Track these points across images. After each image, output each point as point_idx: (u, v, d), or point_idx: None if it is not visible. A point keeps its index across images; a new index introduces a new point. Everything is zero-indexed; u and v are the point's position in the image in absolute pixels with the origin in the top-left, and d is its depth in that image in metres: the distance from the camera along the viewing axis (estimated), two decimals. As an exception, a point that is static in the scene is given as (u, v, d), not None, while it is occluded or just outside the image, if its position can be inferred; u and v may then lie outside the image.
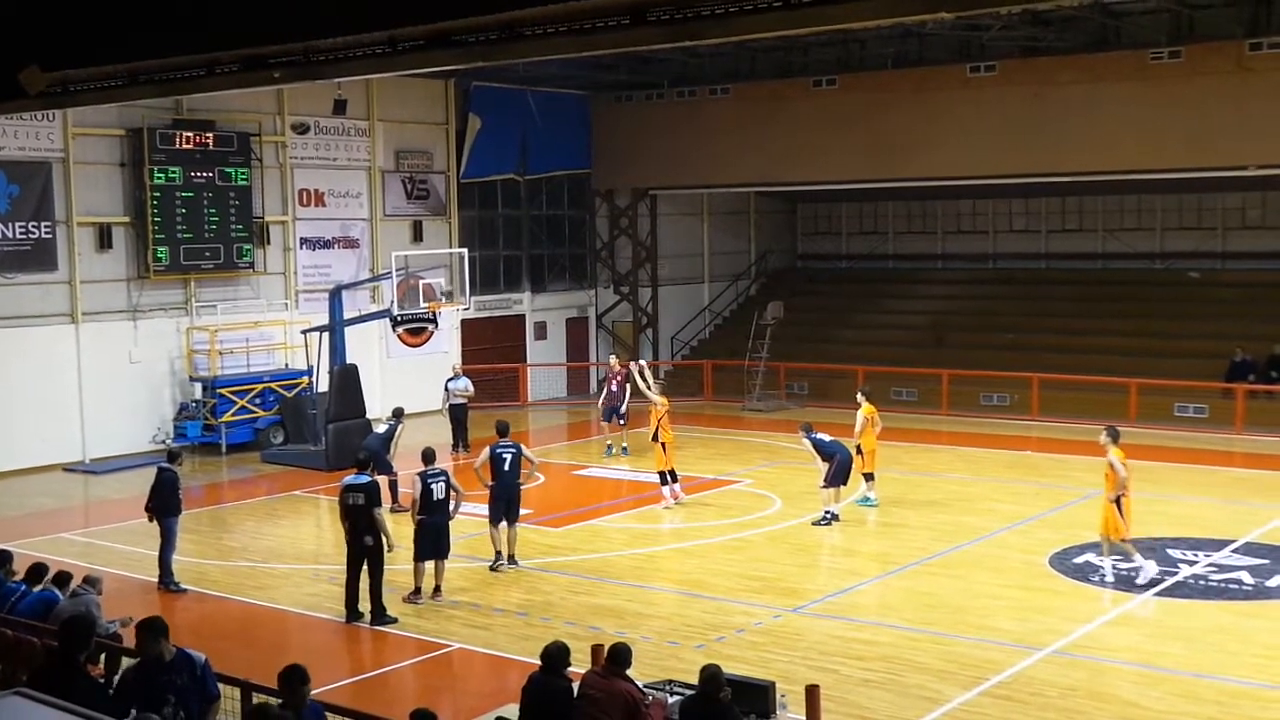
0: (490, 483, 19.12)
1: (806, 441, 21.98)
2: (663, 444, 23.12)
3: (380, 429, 23.76)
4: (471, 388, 29.36)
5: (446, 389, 29.02)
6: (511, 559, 19.30)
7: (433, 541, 17.50)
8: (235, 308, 30.86)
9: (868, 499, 22.86)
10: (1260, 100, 28.30)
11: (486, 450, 19.37)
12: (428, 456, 17.95)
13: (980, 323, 37.27)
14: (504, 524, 19.18)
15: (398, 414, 23.77)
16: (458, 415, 28.85)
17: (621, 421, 28.36)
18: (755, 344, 35.53)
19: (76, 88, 13.02)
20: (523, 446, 19.69)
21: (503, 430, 19.86)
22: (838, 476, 21.66)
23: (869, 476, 22.92)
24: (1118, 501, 18.01)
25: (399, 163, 34.40)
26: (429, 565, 17.60)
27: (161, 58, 11.94)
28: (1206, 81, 29.05)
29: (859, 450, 22.69)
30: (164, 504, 18.57)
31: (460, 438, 28.61)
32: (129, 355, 29.06)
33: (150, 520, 18.73)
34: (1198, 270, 36.51)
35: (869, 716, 13.26)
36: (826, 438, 22.02)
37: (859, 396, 23.45)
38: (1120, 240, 38.33)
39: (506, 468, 19.19)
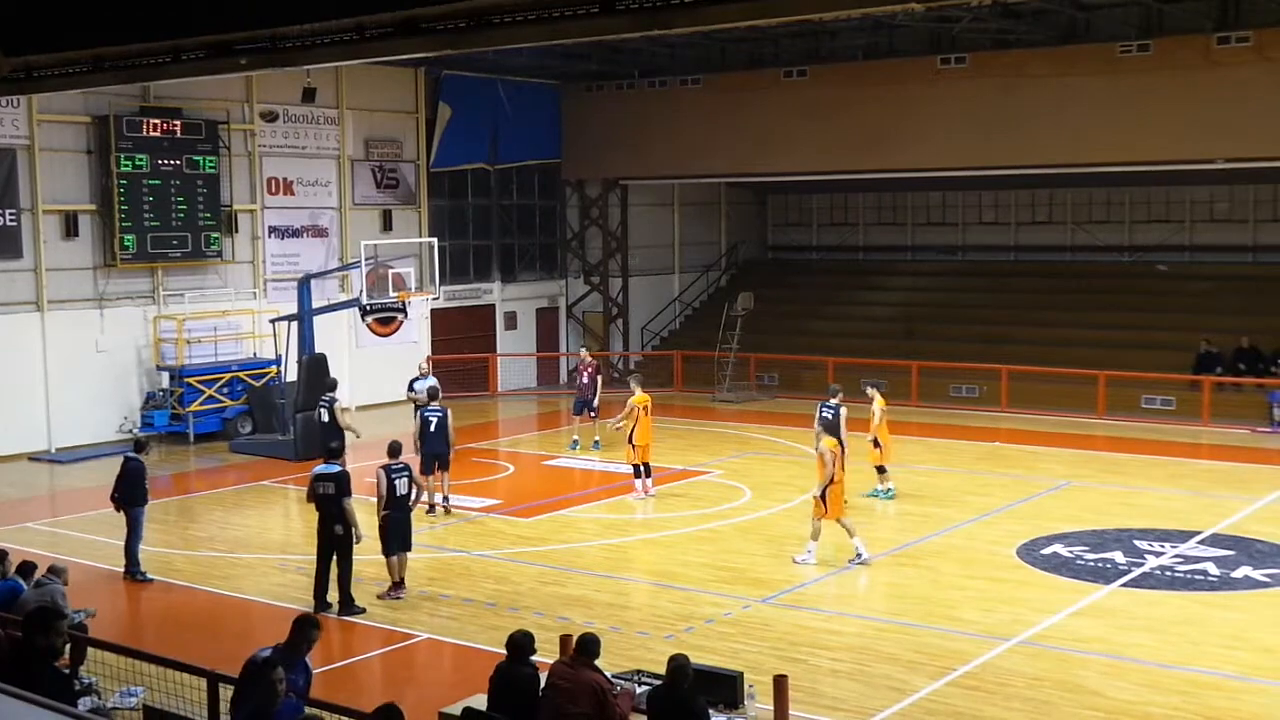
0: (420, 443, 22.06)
1: (826, 411, 21.77)
2: (635, 445, 23.13)
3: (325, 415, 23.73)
4: (439, 387, 27.26)
5: (412, 388, 27.02)
6: (446, 500, 22.18)
7: (398, 536, 17.45)
8: (203, 296, 30.68)
9: (889, 490, 22.86)
10: (1228, 94, 28.45)
11: (419, 414, 22.49)
12: (394, 450, 17.82)
13: (950, 314, 37.37)
14: (435, 473, 21.92)
15: (331, 385, 23.79)
16: None
17: (593, 414, 28.08)
18: (725, 335, 35.57)
19: (40, 73, 12.93)
20: (448, 413, 22.22)
21: (433, 395, 23.18)
22: None
23: (881, 469, 22.97)
24: (823, 492, 18.49)
25: (368, 151, 34.25)
26: (394, 559, 17.54)
27: (127, 44, 11.86)
28: (1175, 75, 29.18)
29: (876, 443, 22.74)
30: (130, 494, 18.45)
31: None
32: (95, 344, 28.85)
33: (117, 510, 18.62)
34: (1166, 263, 36.71)
35: (837, 706, 13.29)
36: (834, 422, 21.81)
37: (870, 390, 23.45)
38: (1089, 233, 38.51)
39: (433, 429, 21.92)
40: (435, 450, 22.01)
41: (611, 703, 10.54)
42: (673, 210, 42.15)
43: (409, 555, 17.71)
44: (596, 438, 27.92)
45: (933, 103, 32.17)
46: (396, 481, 17.38)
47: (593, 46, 32.37)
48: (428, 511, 21.30)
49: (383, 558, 17.50)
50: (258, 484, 25.31)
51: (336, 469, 17.15)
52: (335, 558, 16.89)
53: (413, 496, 17.77)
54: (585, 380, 28.27)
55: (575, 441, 28.13)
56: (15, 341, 27.66)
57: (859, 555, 18.60)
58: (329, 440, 21.70)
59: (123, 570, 18.43)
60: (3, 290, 27.57)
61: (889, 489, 22.90)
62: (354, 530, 16.86)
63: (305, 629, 10.48)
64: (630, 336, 40.36)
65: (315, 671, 14.35)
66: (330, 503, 16.90)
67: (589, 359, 29.00)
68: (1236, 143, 28.94)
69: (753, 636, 15.62)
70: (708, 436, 29.54)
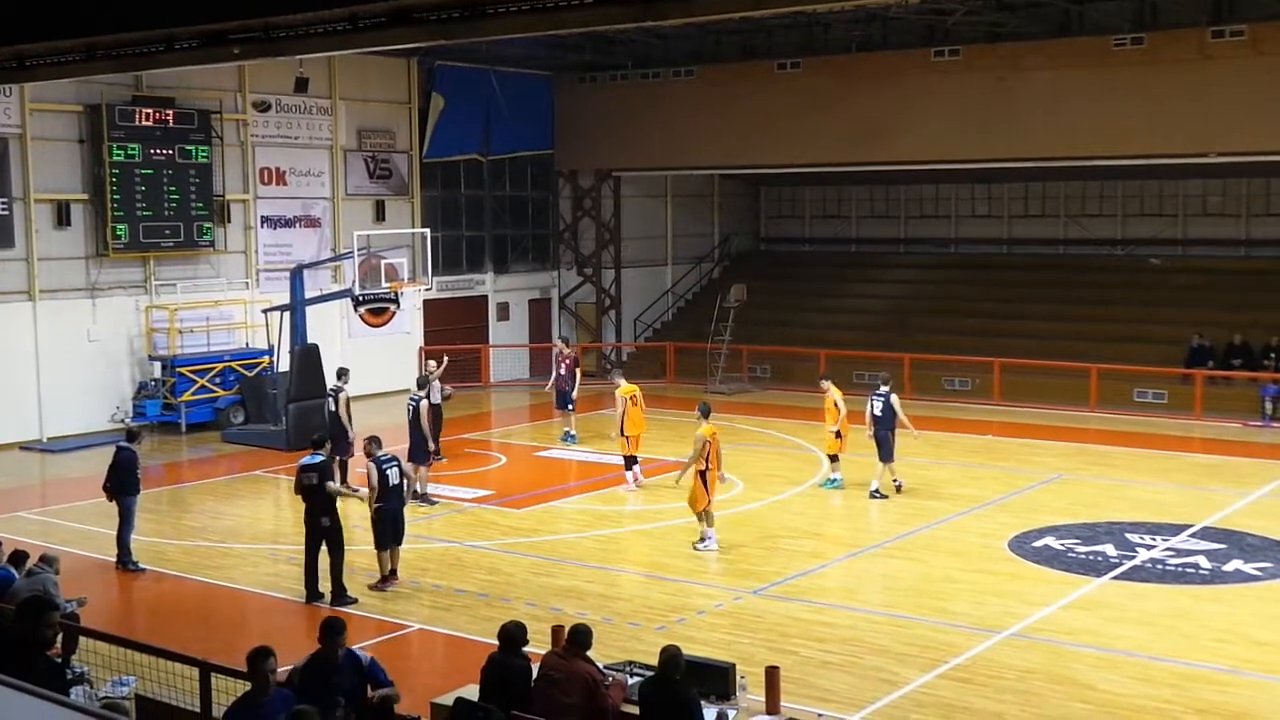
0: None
1: (877, 400, 22.69)
2: (626, 436, 23.13)
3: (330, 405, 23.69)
4: (448, 390, 25.39)
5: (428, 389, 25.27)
6: (425, 497, 22.16)
7: (391, 527, 17.39)
8: (195, 286, 30.64)
9: (835, 480, 22.99)
10: (1221, 87, 28.47)
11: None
12: (376, 442, 17.72)
13: (942, 307, 37.38)
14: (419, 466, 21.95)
15: (340, 374, 23.74)
16: (435, 415, 24.56)
17: (569, 408, 28.05)
18: (718, 327, 35.55)
19: (32, 63, 12.90)
20: (422, 404, 22.28)
21: (420, 385, 23.13)
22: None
23: (834, 458, 23.00)
24: (702, 475, 18.73)
25: (361, 142, 34.19)
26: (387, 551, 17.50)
27: (119, 33, 11.83)
28: (1168, 69, 29.20)
29: (839, 435, 22.73)
30: (122, 483, 18.45)
31: (434, 440, 24.84)
32: (87, 333, 28.81)
33: (109, 499, 18.60)
34: (1158, 256, 36.73)
35: (828, 698, 13.30)
36: (894, 406, 22.64)
37: (825, 383, 23.26)
38: (1081, 226, 38.53)
39: (410, 416, 22.24)
40: (413, 439, 22.16)
41: (603, 694, 10.54)
42: (665, 202, 42.12)
43: (401, 548, 17.69)
44: (572, 430, 27.87)
45: (926, 95, 32.16)
46: (388, 472, 17.35)
47: (586, 37, 32.34)
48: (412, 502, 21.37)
49: (374, 550, 17.49)
50: (250, 474, 25.31)
51: (320, 459, 17.15)
52: (326, 548, 16.91)
53: (405, 487, 17.77)
54: (563, 372, 28.25)
55: (566, 435, 28.01)
56: (7, 331, 27.60)
57: (705, 539, 19.01)
58: (329, 430, 21.73)
59: (114, 560, 18.42)
60: (-6, 279, 27.57)
61: (836, 479, 23.04)
62: (342, 489, 16.92)
63: (333, 635, 10.31)
64: (623, 328, 40.34)
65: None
66: (315, 494, 16.90)
67: (568, 351, 28.96)
68: (1230, 137, 28.98)
69: (744, 628, 15.63)
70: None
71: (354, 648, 10.36)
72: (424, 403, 22.47)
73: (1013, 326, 35.01)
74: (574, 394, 27.93)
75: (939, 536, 19.92)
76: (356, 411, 23.76)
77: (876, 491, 22.34)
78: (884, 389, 22.84)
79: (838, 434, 22.81)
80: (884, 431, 22.58)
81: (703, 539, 19.07)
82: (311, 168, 33.15)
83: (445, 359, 26.03)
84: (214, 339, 30.59)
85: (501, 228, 38.44)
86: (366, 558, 17.62)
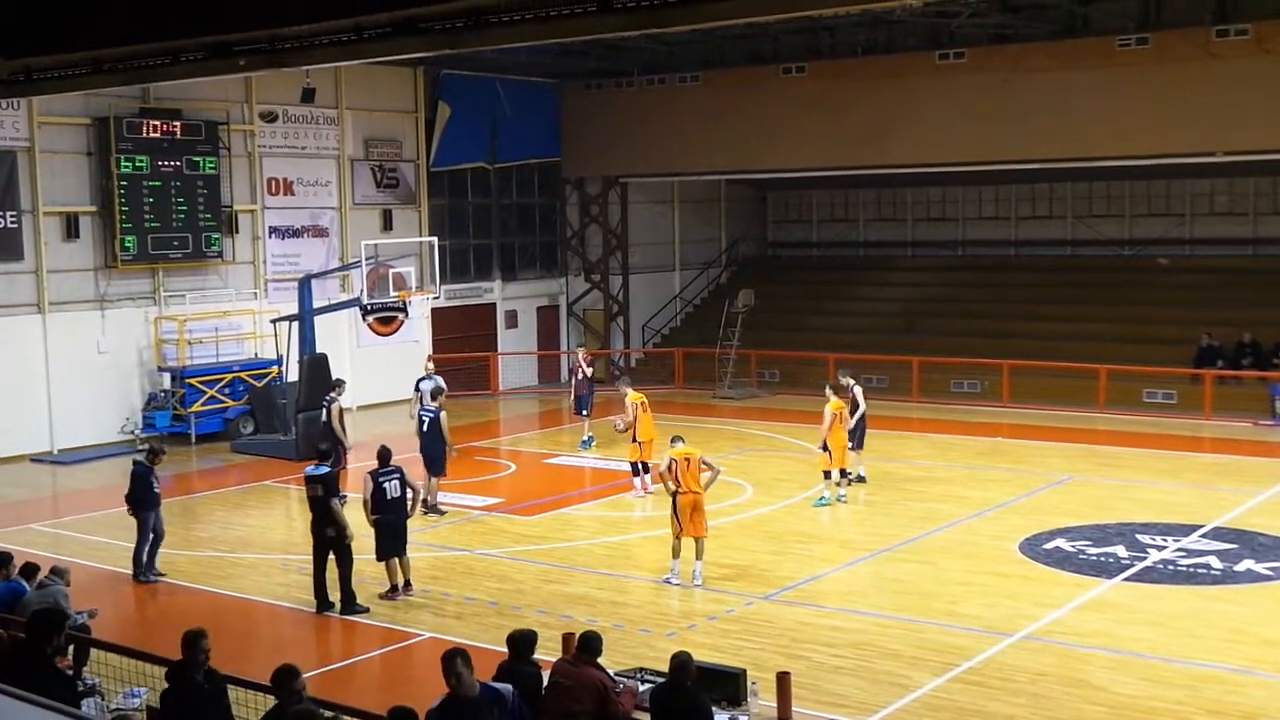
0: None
1: (857, 389, 23.40)
2: (639, 442, 23.10)
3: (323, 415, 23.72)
4: (444, 386, 25.28)
5: (418, 387, 25.31)
6: (435, 507, 21.85)
7: (391, 539, 17.35)
8: (204, 297, 30.69)
9: (824, 499, 22.24)
10: (1227, 86, 28.43)
11: (417, 413, 22.91)
12: (383, 455, 17.67)
13: (950, 310, 37.36)
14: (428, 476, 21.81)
15: (334, 384, 23.72)
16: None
17: (584, 413, 28.19)
18: (726, 332, 35.56)
19: (40, 76, 12.95)
20: (443, 415, 22.15)
21: (434, 394, 23.07)
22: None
23: (829, 475, 22.30)
24: (673, 500, 17.79)
25: (368, 151, 34.25)
26: (394, 562, 17.49)
27: (125, 45, 11.88)
28: (1174, 68, 29.18)
29: (825, 447, 22.09)
30: (135, 497, 18.51)
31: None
32: (97, 345, 28.86)
33: (130, 514, 18.65)
34: (1166, 256, 36.70)
35: (840, 703, 13.28)
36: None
37: (828, 391, 22.82)
38: (1089, 226, 38.49)
39: (425, 429, 22.13)
40: (426, 451, 22.08)
41: (614, 701, 10.54)
42: (673, 207, 42.13)
43: (410, 557, 17.67)
44: (589, 434, 27.92)
45: (932, 98, 32.16)
46: (385, 485, 17.27)
47: (591, 44, 32.36)
48: (424, 513, 21.28)
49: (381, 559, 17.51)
50: (260, 484, 25.33)
51: (325, 470, 17.14)
52: (334, 558, 16.91)
53: (409, 498, 17.67)
54: (580, 376, 28.46)
55: (585, 440, 27.99)
56: (17, 343, 27.67)
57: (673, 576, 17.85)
58: (322, 441, 21.74)
59: (132, 573, 18.48)
60: (4, 292, 27.59)
61: (825, 498, 22.25)
62: (344, 531, 16.83)
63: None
64: (631, 334, 40.36)
65: (316, 671, 14.35)
66: (320, 504, 16.90)
67: (583, 355, 29.12)
68: (1236, 135, 28.97)
69: (755, 633, 15.62)
70: (709, 433, 29.42)
71: (496, 684, 9.74)
72: (443, 414, 22.33)
73: (1021, 328, 35.00)
74: (586, 397, 28.14)
75: (949, 539, 19.89)
76: (367, 420, 23.82)
77: (861, 477, 23.19)
78: (847, 380, 23.83)
79: (824, 447, 22.21)
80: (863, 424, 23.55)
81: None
82: (319, 177, 33.22)
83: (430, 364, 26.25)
84: (223, 349, 30.63)
85: (509, 235, 38.48)
86: (378, 567, 17.62)
